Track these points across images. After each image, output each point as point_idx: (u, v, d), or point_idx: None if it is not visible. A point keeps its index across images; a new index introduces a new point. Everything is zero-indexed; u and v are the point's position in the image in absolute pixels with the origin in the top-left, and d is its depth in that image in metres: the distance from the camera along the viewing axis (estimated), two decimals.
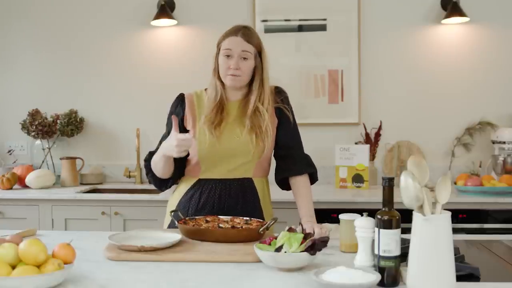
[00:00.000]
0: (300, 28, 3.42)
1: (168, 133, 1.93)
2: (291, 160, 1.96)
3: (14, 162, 3.56)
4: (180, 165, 1.96)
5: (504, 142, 3.09)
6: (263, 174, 1.98)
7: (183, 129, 1.94)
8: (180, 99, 2.00)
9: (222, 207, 1.90)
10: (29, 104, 3.53)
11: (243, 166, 1.92)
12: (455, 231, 1.33)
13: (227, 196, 1.91)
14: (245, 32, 1.90)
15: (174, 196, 2.01)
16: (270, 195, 2.04)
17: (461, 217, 2.72)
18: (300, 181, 1.94)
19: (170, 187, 2.02)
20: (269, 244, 1.46)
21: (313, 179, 1.99)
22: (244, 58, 1.88)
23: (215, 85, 1.94)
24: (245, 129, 1.89)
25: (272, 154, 2.01)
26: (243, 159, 1.91)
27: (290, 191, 1.99)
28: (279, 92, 1.99)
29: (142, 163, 3.37)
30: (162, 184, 1.98)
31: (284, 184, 2.02)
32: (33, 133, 3.41)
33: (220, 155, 1.90)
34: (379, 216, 1.28)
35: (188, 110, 1.96)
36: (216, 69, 1.94)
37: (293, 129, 1.99)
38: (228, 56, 1.88)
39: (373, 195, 2.86)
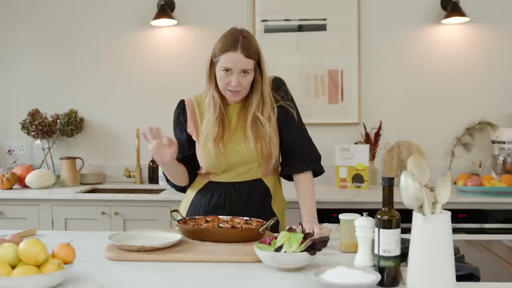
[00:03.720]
0: (300, 28, 3.42)
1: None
2: (294, 156, 1.94)
3: (14, 162, 3.56)
4: (192, 169, 1.98)
5: (504, 142, 3.09)
6: (273, 172, 1.99)
7: (187, 136, 1.94)
8: (181, 107, 1.97)
9: (233, 209, 1.89)
10: (29, 104, 3.53)
11: (251, 171, 1.92)
12: (455, 231, 1.33)
13: (237, 198, 1.91)
14: (244, 45, 1.79)
15: (187, 196, 2.03)
16: (282, 189, 2.04)
17: (461, 217, 2.72)
18: (301, 179, 1.94)
19: (186, 190, 2.05)
20: (269, 244, 1.46)
21: (317, 173, 1.98)
22: (244, 73, 1.81)
23: (212, 96, 1.87)
24: (248, 141, 1.87)
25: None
26: (250, 166, 1.91)
27: (294, 189, 1.98)
28: (277, 87, 1.94)
29: (142, 163, 3.44)
30: (179, 188, 2.05)
31: (290, 176, 2.00)
32: (33, 133, 3.41)
33: (227, 165, 1.90)
34: (379, 216, 1.28)
35: (190, 118, 1.94)
36: (213, 78, 1.86)
37: (296, 126, 1.94)
38: (227, 71, 1.80)
39: (373, 195, 2.85)
